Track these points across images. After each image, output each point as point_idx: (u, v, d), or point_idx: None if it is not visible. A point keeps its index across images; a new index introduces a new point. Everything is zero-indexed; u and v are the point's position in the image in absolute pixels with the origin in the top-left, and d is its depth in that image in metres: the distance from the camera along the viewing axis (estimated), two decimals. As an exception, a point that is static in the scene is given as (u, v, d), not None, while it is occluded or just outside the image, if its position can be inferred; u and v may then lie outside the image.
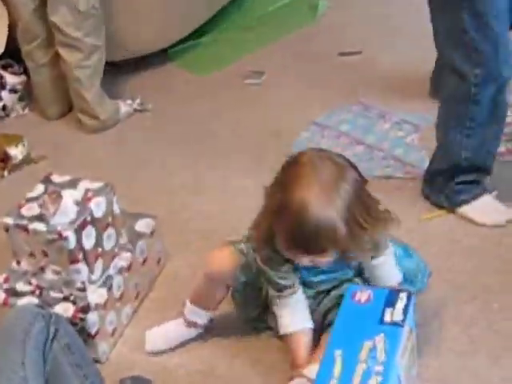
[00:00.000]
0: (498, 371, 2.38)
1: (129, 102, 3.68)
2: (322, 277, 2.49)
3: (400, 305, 2.02)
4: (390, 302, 2.05)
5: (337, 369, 1.90)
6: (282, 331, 2.52)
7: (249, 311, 2.63)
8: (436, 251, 2.81)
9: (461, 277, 2.70)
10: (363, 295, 2.09)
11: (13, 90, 3.75)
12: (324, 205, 2.16)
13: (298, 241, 2.22)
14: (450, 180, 2.94)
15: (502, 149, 3.11)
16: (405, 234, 2.81)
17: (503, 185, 3.02)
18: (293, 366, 2.49)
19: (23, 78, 3.80)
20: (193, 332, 2.63)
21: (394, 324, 1.98)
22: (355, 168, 2.30)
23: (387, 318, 2.00)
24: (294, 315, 2.50)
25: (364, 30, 3.89)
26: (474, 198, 2.99)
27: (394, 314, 2.00)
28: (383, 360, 1.89)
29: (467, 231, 2.89)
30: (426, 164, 3.12)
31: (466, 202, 2.99)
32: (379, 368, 1.87)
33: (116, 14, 3.60)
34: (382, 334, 1.95)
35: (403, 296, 2.05)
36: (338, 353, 1.93)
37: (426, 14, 2.83)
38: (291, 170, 2.30)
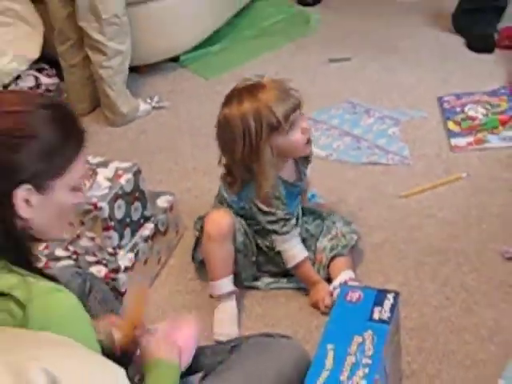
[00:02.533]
0: (468, 320, 2.42)
1: (148, 100, 3.68)
2: (297, 208, 2.62)
3: (387, 304, 1.98)
4: (379, 301, 2.00)
5: (329, 361, 1.86)
6: (291, 264, 2.56)
7: (248, 272, 2.64)
8: (414, 223, 2.83)
9: (436, 244, 2.72)
10: (354, 295, 2.03)
11: (47, 90, 3.74)
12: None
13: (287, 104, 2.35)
14: None
15: (470, 139, 3.15)
16: (387, 208, 2.90)
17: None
18: (312, 285, 2.57)
19: (56, 79, 3.81)
20: (234, 302, 2.57)
21: (382, 321, 1.94)
22: None
23: (375, 315, 1.96)
24: (296, 247, 2.57)
25: (353, 41, 3.90)
26: None
27: (382, 312, 1.96)
28: (371, 354, 1.86)
29: (441, 206, 2.90)
30: (406, 152, 3.14)
31: None
32: (367, 361, 1.84)
33: (137, 26, 3.59)
34: (370, 331, 1.91)
35: (390, 296, 2.01)
36: (330, 346, 1.89)
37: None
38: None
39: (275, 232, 2.54)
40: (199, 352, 2.11)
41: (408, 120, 3.33)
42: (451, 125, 3.23)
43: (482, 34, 3.56)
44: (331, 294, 2.50)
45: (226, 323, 2.52)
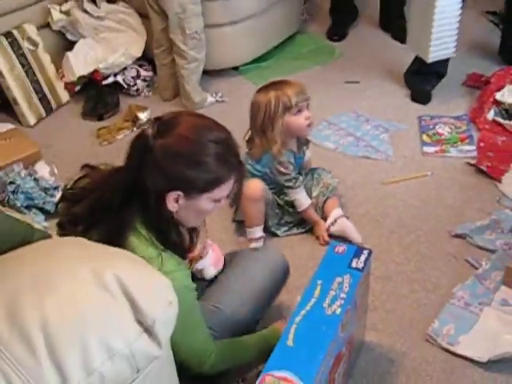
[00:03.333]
0: (419, 275, 2.46)
1: (213, 94, 3.65)
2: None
3: (363, 257, 1.95)
4: (357, 254, 1.97)
5: (316, 292, 1.84)
6: (302, 208, 2.63)
7: (273, 221, 2.65)
8: (390, 203, 2.83)
9: (404, 220, 2.73)
10: (340, 248, 1.99)
11: (144, 80, 3.74)
12: None
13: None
14: None
15: (436, 148, 3.13)
16: (372, 190, 2.90)
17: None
18: (314, 224, 2.67)
19: (151, 73, 3.79)
20: (262, 243, 2.60)
21: (357, 269, 1.92)
22: None
23: (353, 264, 1.93)
24: (304, 196, 2.64)
25: (363, 69, 3.86)
26: None
27: (358, 263, 1.94)
28: (346, 291, 1.84)
29: (411, 194, 2.89)
30: (391, 152, 3.13)
31: None
32: (343, 295, 1.82)
33: (212, 42, 3.57)
34: (348, 275, 1.89)
35: (366, 252, 1.98)
36: (319, 282, 1.87)
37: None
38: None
39: (291, 187, 2.59)
40: None
41: (395, 130, 3.29)
42: (425, 137, 3.19)
43: (421, 90, 3.50)
44: (328, 231, 2.62)
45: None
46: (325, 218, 2.66)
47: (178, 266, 1.64)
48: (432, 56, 3.31)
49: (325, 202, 2.69)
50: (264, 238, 2.61)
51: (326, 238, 2.61)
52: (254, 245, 2.58)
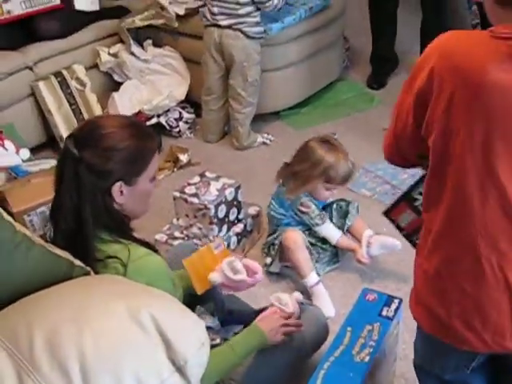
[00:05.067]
0: None
1: (264, 136, 3.73)
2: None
3: (393, 306, 1.97)
4: (387, 302, 1.99)
5: (346, 339, 1.86)
6: (335, 241, 2.68)
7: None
8: None
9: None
10: (371, 296, 2.02)
11: (186, 122, 3.79)
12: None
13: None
14: None
15: None
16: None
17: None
18: (352, 250, 2.68)
19: (193, 115, 3.84)
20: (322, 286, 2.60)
21: (387, 318, 1.93)
22: None
23: (384, 313, 1.95)
24: (333, 229, 2.69)
25: None
26: None
27: (389, 311, 1.95)
28: (376, 339, 1.86)
29: None
30: None
31: None
32: (372, 343, 1.84)
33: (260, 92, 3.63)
34: (378, 323, 1.91)
35: (396, 301, 1.99)
36: (348, 329, 1.89)
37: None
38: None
39: (317, 224, 2.65)
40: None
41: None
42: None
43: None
44: (367, 258, 2.65)
45: (326, 303, 2.54)
46: (359, 240, 2.71)
47: (149, 252, 1.71)
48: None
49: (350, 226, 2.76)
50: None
51: (366, 261, 2.64)
52: (317, 289, 2.57)
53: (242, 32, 3.35)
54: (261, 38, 3.44)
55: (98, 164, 1.64)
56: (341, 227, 2.73)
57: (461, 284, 1.41)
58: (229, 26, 3.36)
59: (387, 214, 1.95)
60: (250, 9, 3.32)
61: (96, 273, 1.60)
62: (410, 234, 1.86)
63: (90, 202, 1.65)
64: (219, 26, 3.38)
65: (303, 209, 2.64)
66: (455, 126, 1.33)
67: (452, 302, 1.44)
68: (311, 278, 2.56)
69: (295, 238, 2.58)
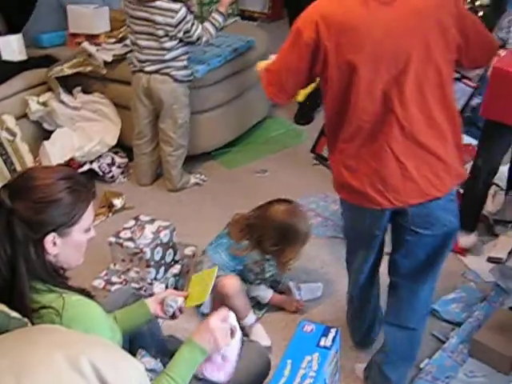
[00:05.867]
0: None
1: (196, 176, 3.73)
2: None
3: (330, 336, 1.99)
4: (325, 333, 2.01)
5: (287, 371, 1.87)
6: (267, 300, 2.71)
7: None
8: None
9: None
10: (309, 327, 2.03)
11: (118, 167, 3.79)
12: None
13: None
14: None
15: None
16: (341, 269, 2.86)
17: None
18: (286, 303, 2.73)
19: (125, 159, 3.85)
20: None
21: (325, 348, 1.95)
22: None
23: (322, 343, 1.97)
24: (264, 290, 2.71)
25: None
26: None
27: (326, 341, 1.97)
28: (315, 369, 1.87)
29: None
30: None
31: None
32: (312, 374, 1.86)
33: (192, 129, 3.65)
34: (317, 353, 1.93)
35: (333, 330, 2.02)
36: (288, 361, 1.91)
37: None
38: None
39: (255, 284, 2.68)
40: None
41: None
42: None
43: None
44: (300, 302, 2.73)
45: (263, 336, 2.58)
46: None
47: (83, 299, 1.70)
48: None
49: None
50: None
51: (302, 306, 2.71)
52: (255, 329, 2.58)
53: (170, 76, 3.38)
54: (188, 80, 3.48)
55: (30, 215, 1.63)
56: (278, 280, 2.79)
57: (369, 162, 1.97)
58: (156, 71, 3.38)
59: (313, 151, 2.64)
60: (176, 53, 3.35)
61: (32, 323, 1.58)
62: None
63: (23, 254, 1.64)
64: (147, 72, 3.41)
65: (257, 269, 2.65)
66: (345, 59, 1.85)
67: (363, 176, 1.99)
68: (250, 319, 2.57)
69: (234, 284, 2.55)
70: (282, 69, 2.01)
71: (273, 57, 2.15)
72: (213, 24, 3.30)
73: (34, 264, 1.65)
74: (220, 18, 3.31)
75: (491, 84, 2.55)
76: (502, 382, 2.33)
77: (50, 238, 1.66)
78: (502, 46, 2.74)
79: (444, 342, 2.49)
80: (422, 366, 2.40)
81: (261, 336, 2.54)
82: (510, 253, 2.95)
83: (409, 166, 1.94)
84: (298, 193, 3.49)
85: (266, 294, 2.70)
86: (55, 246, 1.68)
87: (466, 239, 2.98)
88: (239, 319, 2.49)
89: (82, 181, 1.78)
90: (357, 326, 2.50)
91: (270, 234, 2.56)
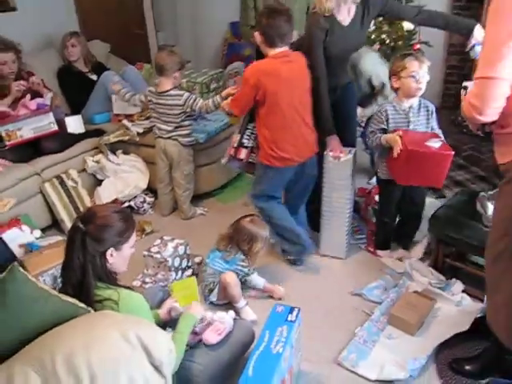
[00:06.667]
0: (336, 321, 2.45)
1: (201, 209, 3.67)
2: None
3: (295, 313, 2.00)
4: (291, 311, 2.01)
5: (266, 338, 1.88)
6: (261, 286, 2.64)
7: None
8: (313, 277, 2.83)
9: (325, 288, 2.75)
10: (280, 308, 2.04)
11: (148, 203, 3.76)
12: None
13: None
14: None
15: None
16: (302, 267, 2.88)
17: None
18: (273, 291, 2.65)
19: (153, 199, 3.80)
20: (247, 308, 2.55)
21: (291, 321, 1.96)
22: None
23: (289, 318, 1.98)
24: (258, 278, 2.65)
25: None
26: None
27: (292, 317, 1.98)
28: (285, 336, 1.89)
29: (330, 270, 2.88)
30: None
31: None
32: (283, 339, 1.87)
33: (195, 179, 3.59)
34: (286, 325, 1.94)
35: (296, 309, 2.02)
36: (267, 332, 1.91)
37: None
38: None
39: (247, 275, 2.61)
40: None
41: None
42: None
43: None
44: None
45: (251, 314, 2.53)
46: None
47: (132, 292, 1.73)
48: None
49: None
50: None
51: (283, 294, 2.65)
52: (244, 310, 2.54)
53: (178, 141, 3.38)
54: (191, 144, 3.46)
55: (98, 235, 1.68)
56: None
57: (285, 137, 2.54)
58: (169, 138, 3.38)
59: (234, 156, 2.76)
60: (183, 125, 3.35)
61: (95, 310, 1.61)
62: (247, 161, 2.79)
63: (91, 261, 1.67)
64: (164, 138, 3.40)
65: (243, 264, 2.62)
66: (273, 91, 2.44)
67: (284, 146, 2.55)
68: (241, 303, 2.55)
69: (232, 277, 2.53)
70: (241, 99, 2.56)
71: (227, 90, 2.98)
72: (213, 102, 3.20)
73: (98, 269, 1.68)
74: (220, 99, 3.15)
75: (406, 162, 2.39)
76: (410, 341, 2.34)
77: (109, 252, 1.70)
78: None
79: (370, 315, 2.51)
80: (356, 331, 2.41)
81: (249, 314, 2.53)
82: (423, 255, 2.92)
83: (307, 138, 2.61)
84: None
85: (260, 282, 2.65)
86: (112, 257, 1.71)
87: (382, 253, 2.96)
88: (235, 303, 2.53)
89: (128, 213, 1.83)
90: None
91: (242, 238, 2.60)
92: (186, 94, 3.25)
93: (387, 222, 2.85)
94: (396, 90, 2.54)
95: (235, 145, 2.71)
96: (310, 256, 2.97)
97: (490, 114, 1.56)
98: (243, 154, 2.71)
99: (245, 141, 2.69)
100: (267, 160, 2.57)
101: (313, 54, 2.56)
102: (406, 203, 2.76)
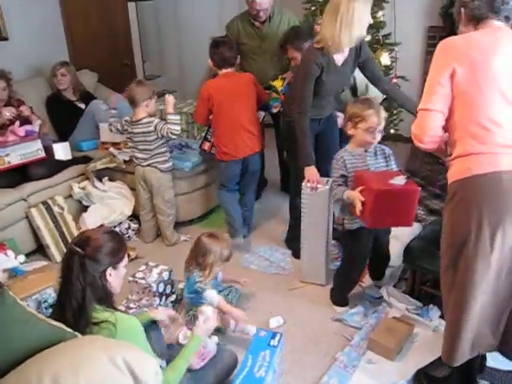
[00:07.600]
0: (317, 346, 2.43)
1: (184, 235, 3.66)
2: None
3: (277, 338, 2.02)
4: (273, 336, 2.04)
5: (249, 363, 1.90)
6: (215, 304, 2.44)
7: None
8: (294, 302, 2.84)
9: (303, 314, 2.73)
10: (263, 333, 2.06)
11: (133, 230, 3.72)
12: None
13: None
14: None
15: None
16: (284, 294, 2.90)
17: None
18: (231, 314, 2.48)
19: (137, 225, 3.78)
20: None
21: (274, 346, 1.98)
22: None
23: (272, 343, 2.00)
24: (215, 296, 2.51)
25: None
26: None
27: (274, 341, 2.00)
28: (268, 360, 1.91)
29: (310, 296, 2.88)
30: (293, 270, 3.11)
31: None
32: (266, 363, 1.89)
33: (176, 206, 3.60)
34: (269, 350, 1.96)
35: (278, 335, 2.04)
36: (250, 356, 1.93)
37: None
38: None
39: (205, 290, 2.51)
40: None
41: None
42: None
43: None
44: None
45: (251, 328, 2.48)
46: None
47: (129, 317, 1.73)
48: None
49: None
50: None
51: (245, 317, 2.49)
52: (239, 326, 2.49)
53: (157, 168, 3.39)
54: (170, 170, 3.45)
55: (95, 255, 1.70)
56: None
57: (228, 137, 3.17)
58: (148, 165, 3.39)
59: (200, 147, 3.50)
60: (159, 152, 3.36)
61: (92, 333, 1.61)
62: (210, 152, 3.45)
63: (90, 283, 1.68)
64: (143, 166, 3.41)
65: (200, 279, 2.53)
66: (218, 102, 3.09)
67: (227, 144, 3.18)
68: (232, 325, 2.52)
69: (208, 310, 2.24)
70: (199, 110, 3.18)
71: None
72: (171, 122, 3.18)
73: (99, 290, 1.69)
74: (173, 116, 3.19)
75: (375, 204, 2.21)
76: (389, 366, 2.36)
77: (108, 271, 1.71)
78: None
79: (351, 341, 2.52)
80: (336, 356, 2.42)
81: (248, 328, 2.50)
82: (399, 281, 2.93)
83: (245, 140, 3.16)
84: (252, 243, 3.45)
85: (214, 299, 2.49)
86: (111, 277, 1.73)
87: (341, 309, 2.76)
88: (235, 321, 2.48)
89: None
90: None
91: (199, 251, 2.55)
92: (156, 120, 3.28)
93: (355, 278, 2.68)
94: (350, 136, 2.44)
95: (202, 139, 3.46)
96: (293, 283, 3.00)
97: (428, 142, 1.74)
98: (207, 146, 3.44)
99: (208, 136, 3.43)
100: (219, 155, 3.23)
101: (303, 87, 2.59)
102: (373, 245, 2.58)
